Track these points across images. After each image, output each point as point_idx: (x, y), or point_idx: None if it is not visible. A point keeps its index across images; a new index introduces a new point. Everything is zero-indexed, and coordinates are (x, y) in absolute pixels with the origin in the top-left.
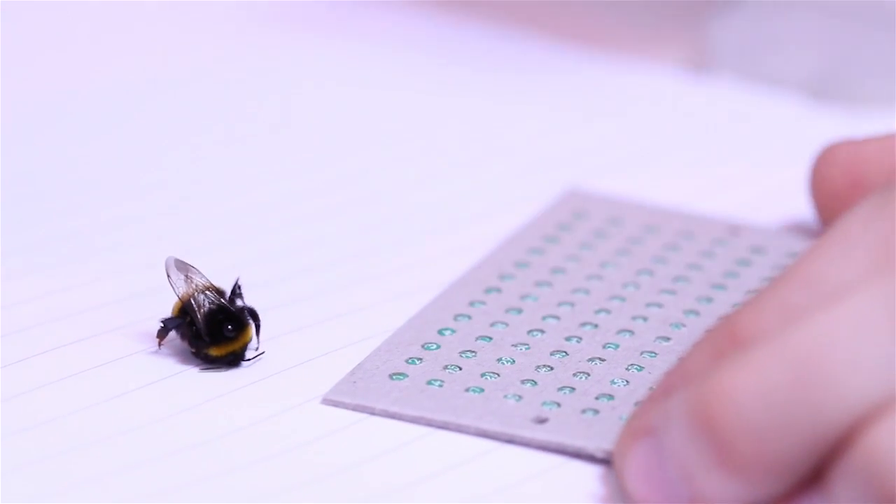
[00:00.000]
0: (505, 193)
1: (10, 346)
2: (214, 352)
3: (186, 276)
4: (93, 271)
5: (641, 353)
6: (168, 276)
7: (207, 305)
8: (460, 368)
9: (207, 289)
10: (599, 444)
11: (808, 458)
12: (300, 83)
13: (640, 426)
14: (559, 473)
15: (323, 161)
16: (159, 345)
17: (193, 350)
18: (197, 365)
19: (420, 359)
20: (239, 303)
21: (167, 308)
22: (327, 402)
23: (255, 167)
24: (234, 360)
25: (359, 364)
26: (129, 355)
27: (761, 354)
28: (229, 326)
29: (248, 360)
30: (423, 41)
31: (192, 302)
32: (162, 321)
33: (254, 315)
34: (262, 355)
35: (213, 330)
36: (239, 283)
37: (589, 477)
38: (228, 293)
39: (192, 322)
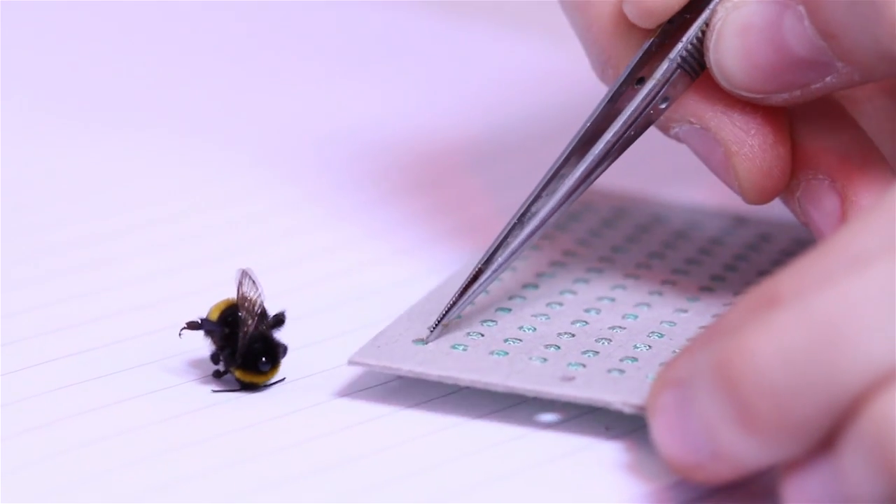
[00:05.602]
0: (512, 193)
1: (11, 355)
2: (239, 375)
3: (249, 290)
4: (94, 283)
5: (661, 323)
6: (239, 283)
7: (253, 330)
8: (482, 335)
9: (259, 314)
10: (626, 398)
11: (823, 421)
12: (303, 85)
13: (670, 377)
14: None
15: (324, 166)
16: (181, 331)
17: (216, 364)
18: (209, 383)
19: (444, 326)
20: (276, 334)
21: (170, 321)
22: (353, 363)
23: (262, 169)
24: (251, 387)
25: (381, 331)
26: (138, 366)
27: (784, 317)
28: (264, 359)
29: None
30: (423, 40)
31: (242, 318)
32: (201, 319)
33: (284, 351)
34: (282, 381)
35: (248, 357)
36: (284, 315)
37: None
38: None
39: (230, 335)
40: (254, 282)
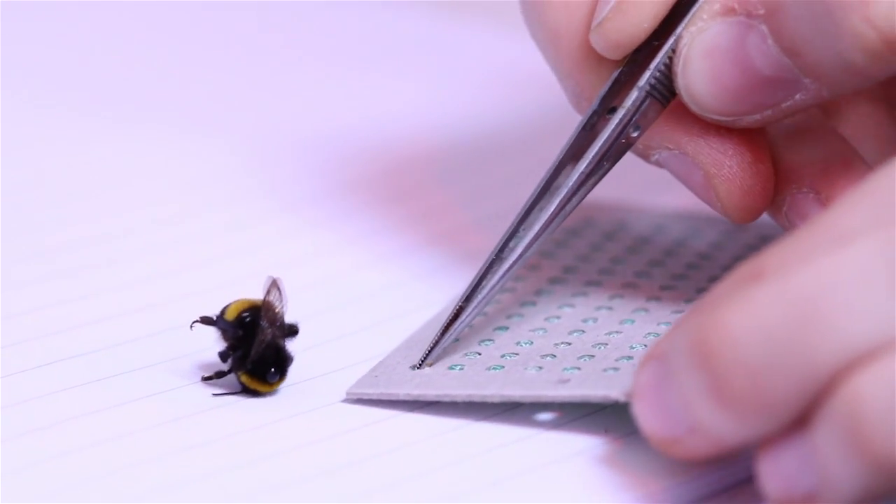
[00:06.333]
0: (505, 202)
1: (12, 356)
2: (245, 380)
3: (275, 300)
4: (94, 284)
5: (659, 324)
6: (267, 291)
7: (270, 339)
8: (479, 354)
9: (278, 323)
10: (621, 391)
11: (798, 399)
12: (287, 89)
13: (652, 352)
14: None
15: (321, 168)
16: (193, 324)
17: (224, 362)
18: (211, 386)
19: (429, 365)
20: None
21: (170, 322)
22: (351, 395)
23: (264, 172)
24: (254, 392)
25: (379, 362)
26: (139, 368)
27: (762, 293)
28: (272, 370)
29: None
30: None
31: (263, 326)
32: (216, 316)
33: (291, 361)
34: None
35: (259, 365)
36: (298, 326)
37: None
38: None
39: (243, 338)
40: (280, 292)
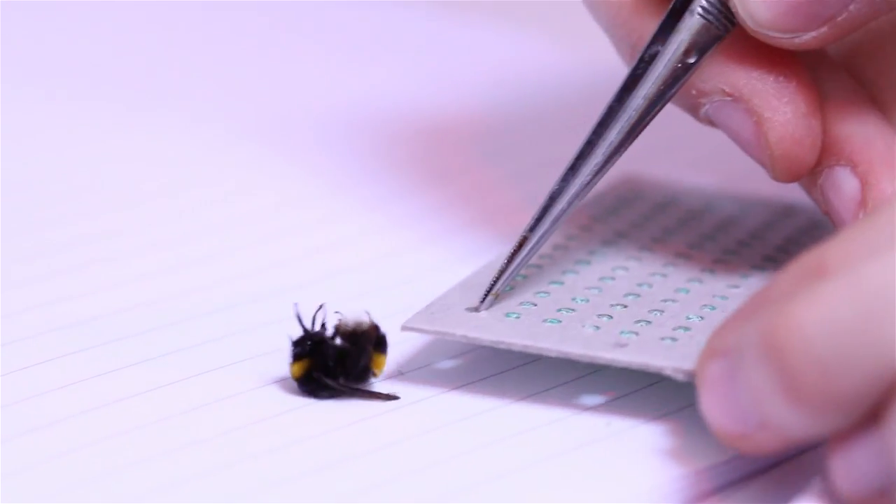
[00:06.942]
0: (533, 182)
1: (12, 354)
2: (295, 375)
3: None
4: (94, 282)
5: (714, 296)
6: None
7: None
8: (535, 305)
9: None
10: (678, 364)
11: (869, 394)
12: (327, 75)
13: (717, 346)
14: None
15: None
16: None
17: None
18: (209, 382)
19: (495, 295)
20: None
21: (171, 318)
22: (406, 329)
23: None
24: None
25: (435, 299)
26: (139, 362)
27: (831, 288)
28: (317, 384)
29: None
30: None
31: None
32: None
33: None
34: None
35: (307, 378)
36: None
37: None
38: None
39: (322, 344)
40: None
